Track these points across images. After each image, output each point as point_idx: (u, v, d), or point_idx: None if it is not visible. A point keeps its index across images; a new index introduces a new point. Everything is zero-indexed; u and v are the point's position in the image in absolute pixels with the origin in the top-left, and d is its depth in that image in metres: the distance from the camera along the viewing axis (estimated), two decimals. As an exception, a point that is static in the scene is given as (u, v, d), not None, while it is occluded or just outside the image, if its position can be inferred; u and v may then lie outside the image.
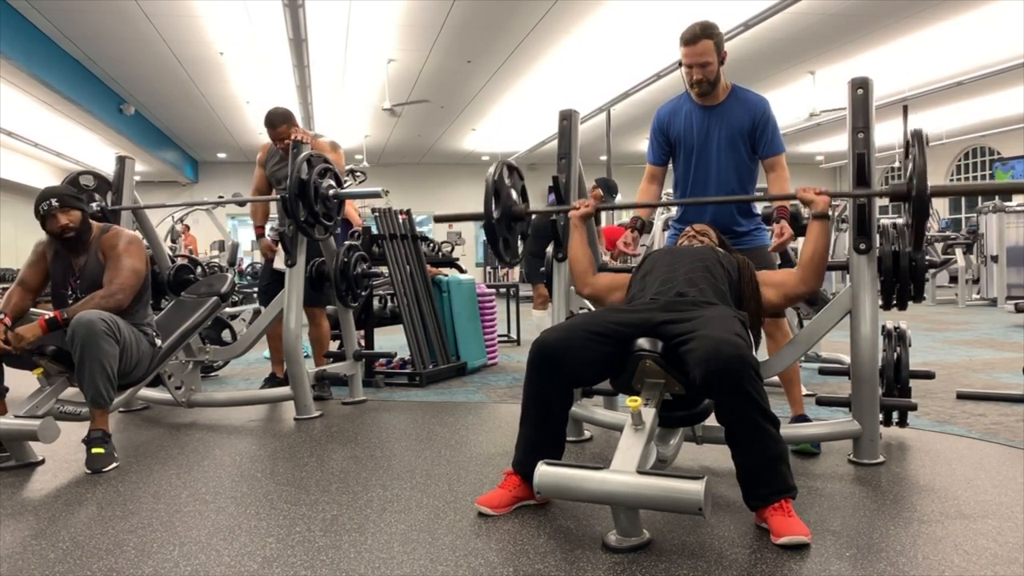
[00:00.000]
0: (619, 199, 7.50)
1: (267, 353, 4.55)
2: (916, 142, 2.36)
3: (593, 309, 3.03)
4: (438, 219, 3.14)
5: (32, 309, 3.16)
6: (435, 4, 8.28)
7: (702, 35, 2.79)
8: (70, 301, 3.04)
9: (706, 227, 2.78)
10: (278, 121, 4.12)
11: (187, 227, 11.19)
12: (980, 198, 16.25)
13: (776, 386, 3.10)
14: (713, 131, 2.91)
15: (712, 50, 2.80)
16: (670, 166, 3.11)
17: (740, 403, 1.93)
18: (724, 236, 2.81)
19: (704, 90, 2.87)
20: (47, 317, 2.82)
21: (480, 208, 2.79)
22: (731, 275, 2.42)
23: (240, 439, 3.34)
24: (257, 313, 5.50)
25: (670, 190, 5.45)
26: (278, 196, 3.63)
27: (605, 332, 2.17)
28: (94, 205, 3.79)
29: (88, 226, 3.10)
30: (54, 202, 2.98)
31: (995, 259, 10.22)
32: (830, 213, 2.51)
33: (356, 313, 4.40)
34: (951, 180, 18.47)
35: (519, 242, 3.00)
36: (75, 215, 3.03)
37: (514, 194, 2.91)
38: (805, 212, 2.82)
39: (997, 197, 10.55)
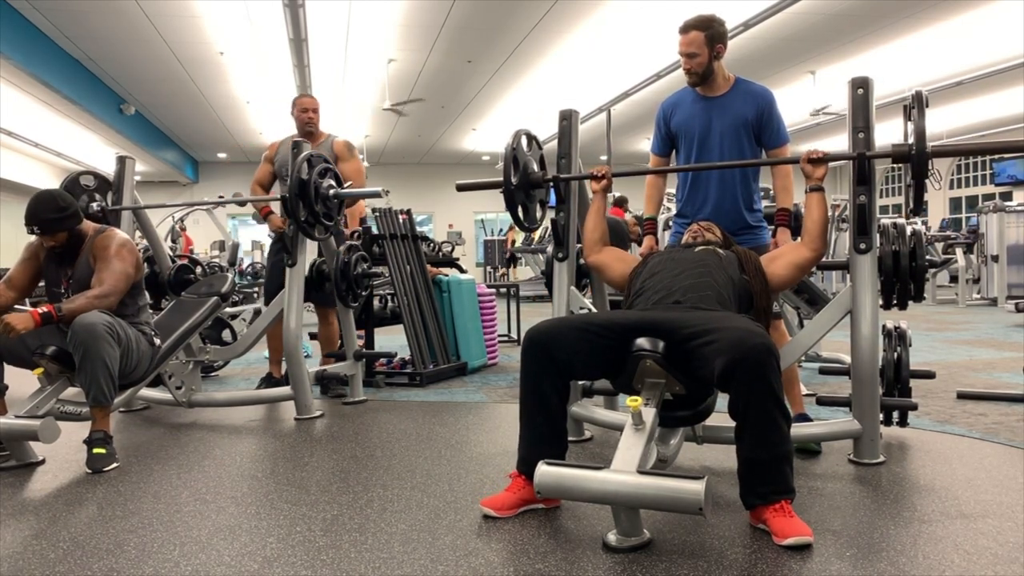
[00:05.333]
0: (619, 195, 7.50)
1: (267, 353, 4.56)
2: (916, 103, 2.38)
3: (594, 310, 3.03)
4: (460, 187, 3.15)
5: (18, 306, 3.14)
6: (435, 4, 8.28)
7: (693, 26, 2.87)
8: (62, 300, 3.03)
9: (711, 223, 2.78)
10: (303, 95, 4.40)
11: (184, 227, 11.20)
12: (980, 198, 16.27)
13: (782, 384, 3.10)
14: (715, 121, 2.93)
15: (701, 42, 2.85)
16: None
17: (761, 393, 1.92)
18: (729, 232, 2.82)
19: (693, 80, 2.95)
20: (41, 310, 2.78)
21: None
22: (734, 279, 2.41)
23: (240, 439, 3.34)
24: (258, 313, 5.51)
25: (672, 190, 5.43)
26: (277, 196, 3.63)
27: (599, 326, 2.18)
28: (94, 205, 3.79)
29: (77, 237, 3.05)
30: (36, 229, 2.96)
31: (995, 259, 10.22)
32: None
33: (356, 313, 4.41)
34: (951, 179, 18.48)
35: (538, 209, 3.05)
36: (60, 236, 3.00)
37: (533, 162, 2.95)
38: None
39: (998, 196, 10.55)
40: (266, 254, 4.50)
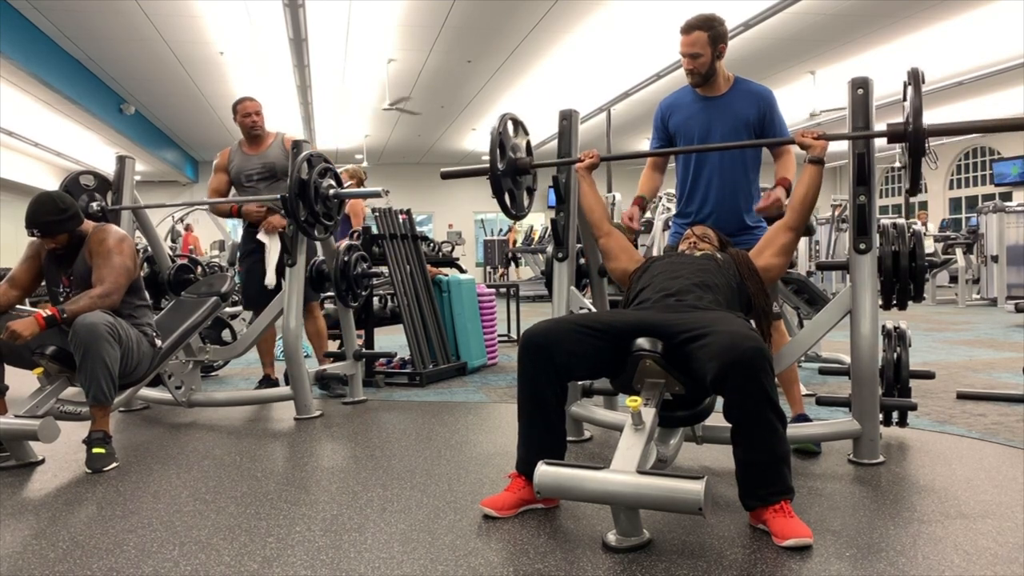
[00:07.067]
0: (619, 196, 7.50)
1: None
2: (912, 81, 2.36)
3: (594, 309, 3.03)
4: (445, 175, 3.11)
5: (19, 307, 3.15)
6: (435, 4, 8.29)
7: (696, 26, 2.83)
8: (62, 299, 3.04)
9: (706, 230, 2.77)
10: (243, 99, 4.30)
11: (189, 227, 11.18)
12: (980, 199, 16.26)
13: (776, 386, 3.10)
14: (715, 122, 2.90)
15: (704, 42, 2.82)
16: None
17: (754, 396, 1.92)
18: (728, 233, 2.81)
19: (696, 81, 2.91)
20: (45, 314, 2.79)
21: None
22: (732, 283, 2.42)
23: (240, 439, 3.34)
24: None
25: (671, 190, 5.42)
26: (278, 196, 3.63)
27: (597, 327, 2.18)
28: (94, 205, 3.79)
29: (77, 238, 3.05)
30: (36, 232, 2.96)
31: (995, 259, 10.22)
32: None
33: (356, 313, 4.41)
34: (951, 179, 18.48)
35: (525, 195, 3.01)
36: (60, 238, 3.00)
37: (520, 148, 2.91)
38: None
39: (997, 197, 10.54)
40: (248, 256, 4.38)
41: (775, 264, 2.55)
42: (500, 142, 2.77)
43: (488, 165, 2.75)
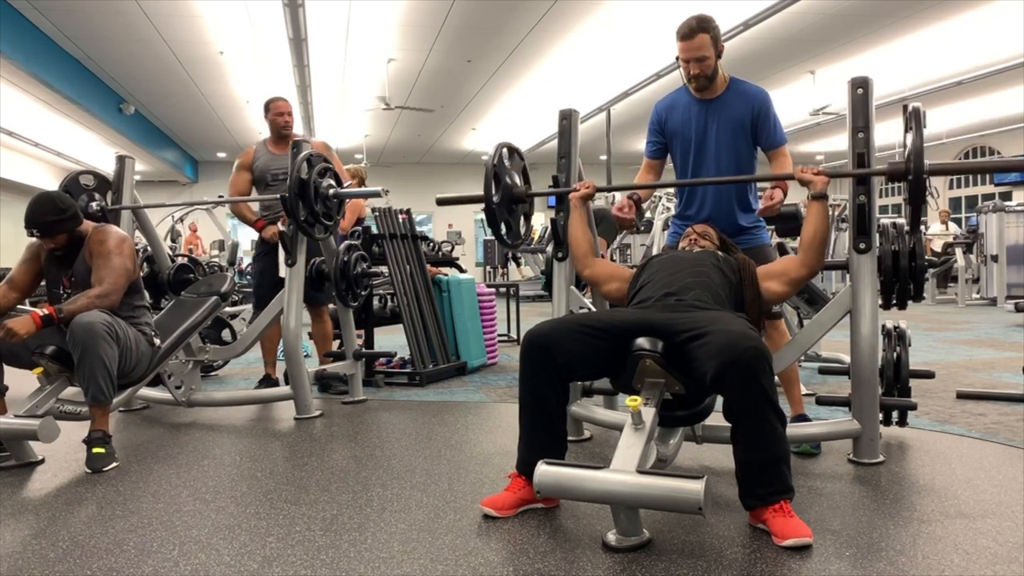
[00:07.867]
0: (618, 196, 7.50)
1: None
2: (913, 120, 2.34)
3: (594, 309, 3.03)
4: (440, 201, 3.10)
5: (20, 307, 3.15)
6: (435, 4, 8.28)
7: (698, 29, 2.76)
8: (63, 300, 3.04)
9: (707, 228, 2.76)
10: (277, 98, 4.34)
11: (193, 226, 11.15)
12: (980, 198, 16.26)
13: (775, 386, 3.10)
14: (711, 124, 2.88)
15: (709, 44, 2.77)
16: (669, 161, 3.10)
17: (753, 396, 1.92)
18: (726, 234, 2.80)
19: (702, 84, 2.84)
20: (42, 313, 2.79)
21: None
22: (731, 280, 2.41)
23: (240, 439, 3.34)
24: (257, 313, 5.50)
25: (671, 189, 5.41)
26: (278, 196, 3.63)
27: (599, 327, 2.18)
28: (94, 205, 3.79)
29: (77, 238, 3.05)
30: (35, 232, 2.96)
31: (995, 259, 10.22)
32: (831, 213, 2.52)
33: (356, 313, 4.41)
34: (951, 179, 18.46)
35: (521, 224, 2.99)
36: (60, 238, 3.00)
37: (515, 176, 2.89)
38: (804, 206, 2.81)
39: (997, 196, 10.54)
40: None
41: (779, 291, 2.52)
42: (495, 173, 2.74)
43: (483, 194, 2.73)
